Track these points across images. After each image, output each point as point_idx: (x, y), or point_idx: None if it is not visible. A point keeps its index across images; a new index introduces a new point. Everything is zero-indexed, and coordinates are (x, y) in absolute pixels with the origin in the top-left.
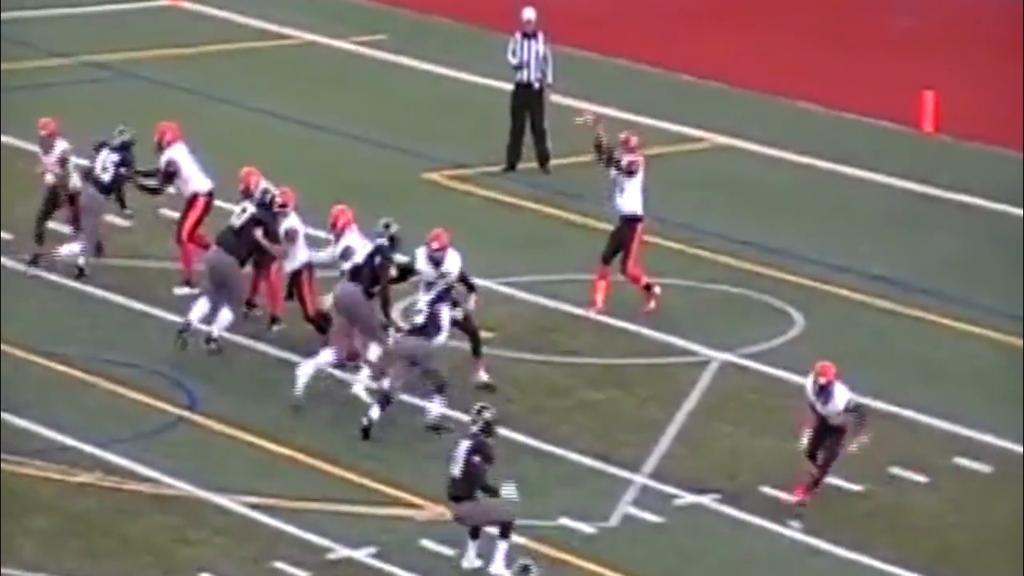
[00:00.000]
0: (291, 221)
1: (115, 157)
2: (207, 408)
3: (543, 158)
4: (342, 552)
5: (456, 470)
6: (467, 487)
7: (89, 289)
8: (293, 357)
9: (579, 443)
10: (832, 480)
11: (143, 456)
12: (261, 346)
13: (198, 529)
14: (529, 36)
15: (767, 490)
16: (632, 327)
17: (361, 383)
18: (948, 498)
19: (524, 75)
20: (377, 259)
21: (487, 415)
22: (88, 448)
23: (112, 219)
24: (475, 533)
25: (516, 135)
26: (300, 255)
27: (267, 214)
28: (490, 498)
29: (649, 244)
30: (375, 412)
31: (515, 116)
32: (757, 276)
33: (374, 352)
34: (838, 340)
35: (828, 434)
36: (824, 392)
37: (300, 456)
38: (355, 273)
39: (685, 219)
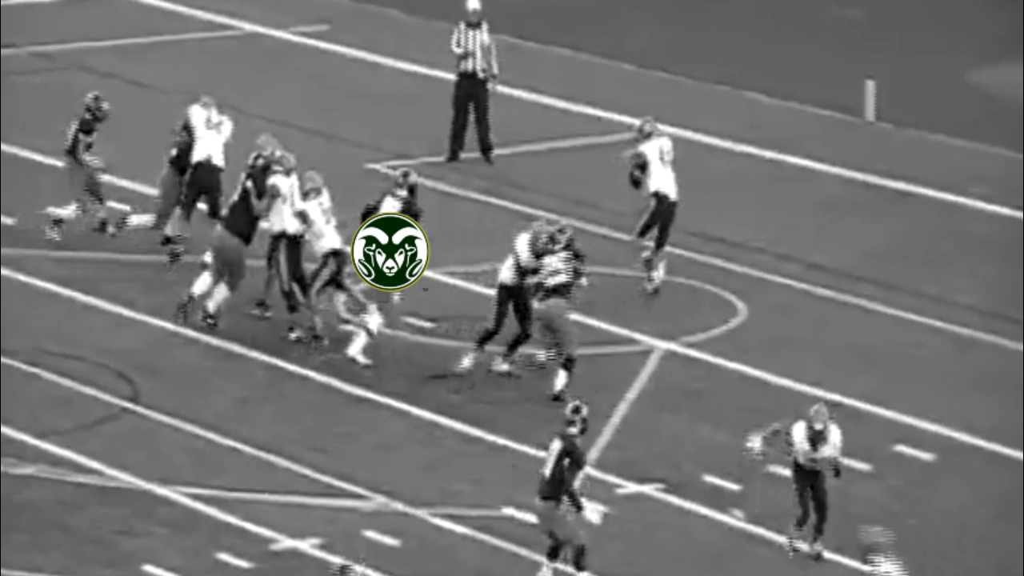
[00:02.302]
0: (276, 179)
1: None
2: (150, 400)
3: (486, 148)
4: (286, 543)
5: (546, 470)
6: (554, 489)
7: (34, 281)
8: (236, 348)
9: (523, 433)
10: (775, 469)
11: (87, 448)
12: (204, 337)
13: (142, 520)
14: (473, 26)
15: (710, 479)
16: (575, 317)
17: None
18: (891, 486)
19: (468, 65)
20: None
21: (584, 413)
22: (32, 440)
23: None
24: (553, 553)
25: (459, 125)
26: (282, 220)
27: (257, 171)
28: (570, 513)
29: (593, 233)
30: (561, 379)
31: (458, 106)
32: (699, 265)
33: (375, 322)
34: (780, 328)
35: (807, 480)
36: (819, 436)
37: (244, 447)
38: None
39: (628, 208)
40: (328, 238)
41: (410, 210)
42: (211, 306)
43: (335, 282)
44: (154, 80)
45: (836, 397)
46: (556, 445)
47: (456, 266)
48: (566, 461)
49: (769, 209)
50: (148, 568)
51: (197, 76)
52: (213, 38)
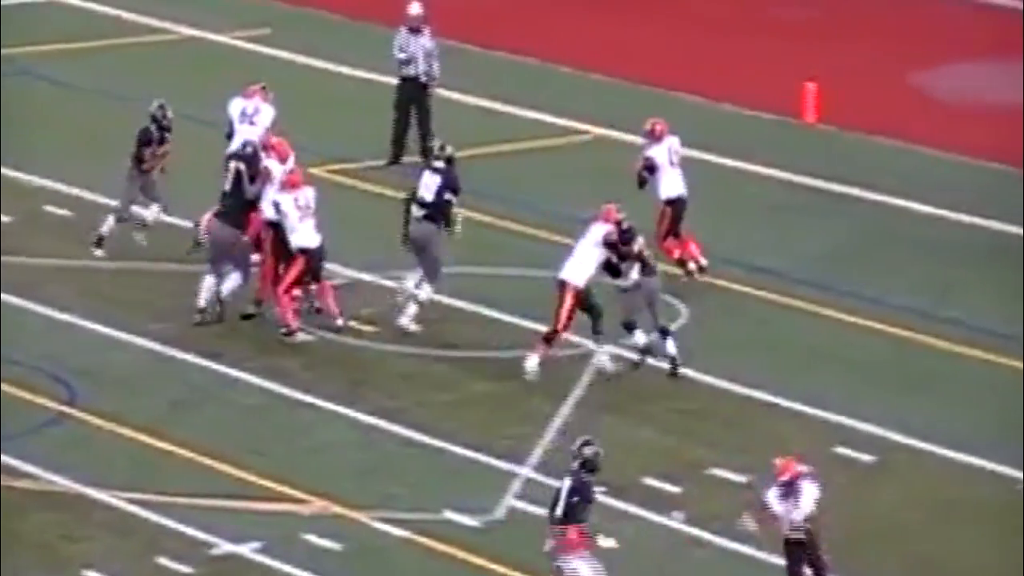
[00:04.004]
0: (270, 163)
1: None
2: (88, 404)
3: (427, 152)
4: (226, 547)
5: (559, 511)
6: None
7: None
8: (173, 351)
9: (462, 436)
10: (715, 471)
11: (25, 453)
12: (141, 341)
13: (82, 526)
14: (415, 31)
15: (651, 482)
16: (516, 319)
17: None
18: (830, 487)
19: (410, 70)
20: (447, 194)
21: (588, 451)
22: None
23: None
24: None
25: (401, 129)
26: (268, 209)
27: (249, 156)
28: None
29: (534, 237)
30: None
31: (400, 110)
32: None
33: (426, 292)
34: (722, 331)
35: (799, 552)
36: (791, 491)
37: (183, 451)
38: (430, 213)
39: (568, 211)
40: (299, 235)
41: (449, 183)
42: (224, 290)
43: (304, 281)
44: (93, 84)
45: (776, 399)
46: (566, 482)
47: (398, 270)
48: (574, 499)
49: (710, 212)
50: (89, 573)
51: (137, 80)
52: (152, 42)
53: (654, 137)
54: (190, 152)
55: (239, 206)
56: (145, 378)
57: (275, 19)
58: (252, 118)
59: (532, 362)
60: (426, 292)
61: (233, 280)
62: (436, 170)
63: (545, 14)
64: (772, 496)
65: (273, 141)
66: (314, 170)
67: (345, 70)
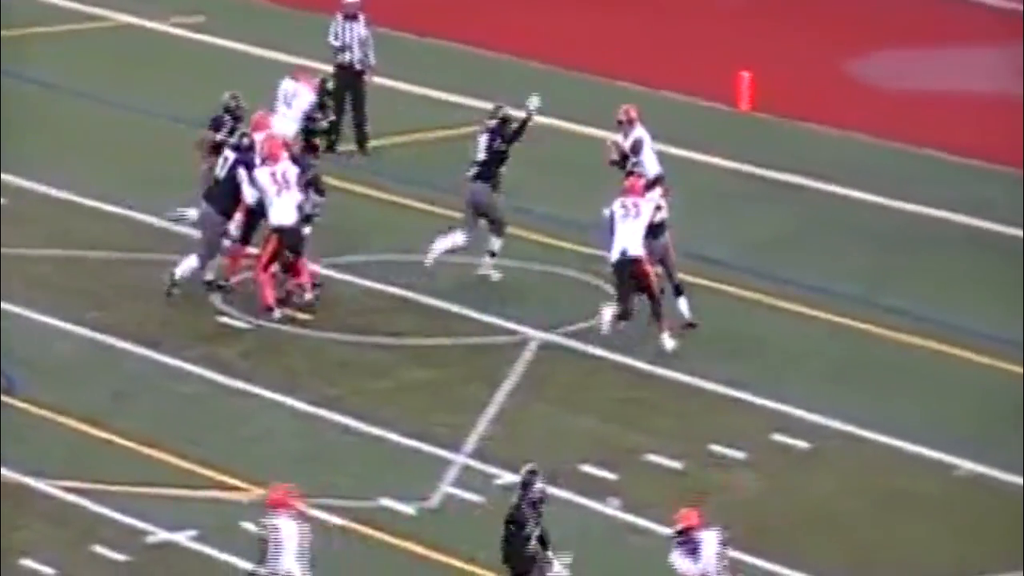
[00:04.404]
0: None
1: None
2: (26, 393)
3: (363, 140)
4: (162, 535)
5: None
6: (519, 562)
7: None
8: (111, 341)
9: (400, 424)
10: (651, 457)
11: None
12: (80, 330)
13: (21, 515)
14: (351, 18)
15: (587, 468)
16: (451, 307)
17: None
18: (766, 474)
19: (345, 57)
20: (497, 143)
21: (533, 494)
22: None
23: None
24: None
25: (336, 117)
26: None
27: (249, 156)
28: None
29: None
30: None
31: (335, 98)
32: (576, 255)
33: (496, 243)
34: None
35: None
36: (690, 543)
37: (120, 440)
38: (481, 172)
39: (504, 198)
40: (276, 210)
41: (504, 137)
42: (177, 273)
43: (280, 259)
44: (28, 73)
45: (713, 386)
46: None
47: (334, 257)
48: (511, 528)
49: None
50: (25, 562)
51: (71, 67)
52: (87, 29)
53: (629, 122)
54: (124, 139)
55: (227, 193)
56: (85, 367)
57: (209, 7)
58: (290, 101)
59: (607, 314)
60: (496, 244)
61: (191, 262)
62: (489, 130)
63: (482, 2)
64: (676, 556)
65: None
66: None
67: (280, 57)
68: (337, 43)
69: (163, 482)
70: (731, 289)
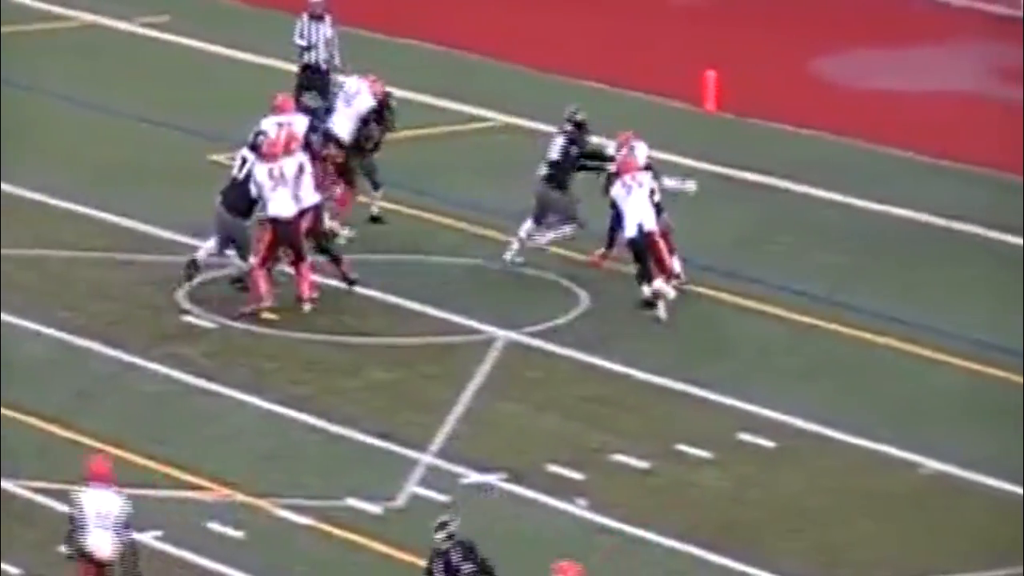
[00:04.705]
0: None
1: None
2: None
3: (329, 139)
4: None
5: None
6: None
7: None
8: (77, 340)
9: (366, 423)
10: (618, 457)
11: None
12: (47, 330)
13: None
14: (316, 18)
15: (553, 468)
16: (418, 306)
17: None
18: (733, 474)
19: (311, 57)
20: (573, 149)
21: (451, 530)
22: None
23: None
24: None
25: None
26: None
27: (260, 145)
28: None
29: (436, 223)
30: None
31: (301, 98)
32: (542, 254)
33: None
34: (623, 318)
35: None
36: None
37: (87, 440)
38: (550, 174)
39: (471, 198)
40: (273, 203)
41: (579, 144)
42: (201, 253)
43: (275, 252)
44: None
45: (679, 386)
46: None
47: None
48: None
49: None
50: None
51: (36, 67)
52: (52, 29)
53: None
54: (90, 139)
55: (245, 194)
56: (51, 367)
57: (175, 6)
58: (351, 99)
59: (666, 290)
60: (570, 230)
61: (209, 246)
62: (564, 132)
63: (450, 2)
64: None
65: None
66: (216, 156)
67: (246, 56)
68: (303, 42)
69: (129, 482)
70: (697, 288)
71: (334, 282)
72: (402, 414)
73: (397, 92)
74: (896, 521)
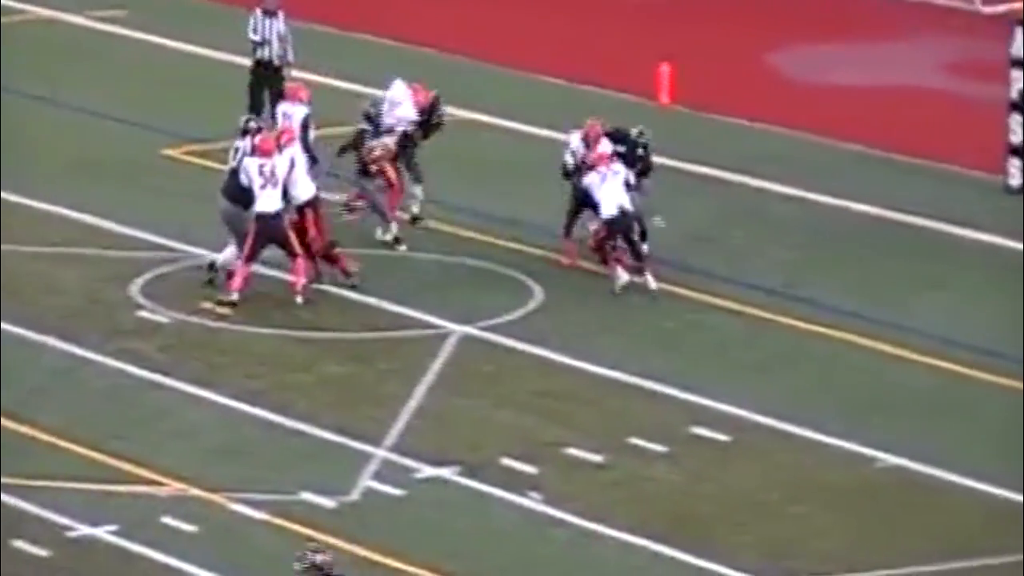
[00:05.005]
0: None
1: None
2: None
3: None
4: (83, 530)
5: None
6: None
7: None
8: (31, 335)
9: (321, 418)
10: (571, 451)
11: None
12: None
13: None
14: (270, 14)
15: (507, 462)
16: (372, 301)
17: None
18: (686, 467)
19: (264, 53)
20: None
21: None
22: None
23: None
24: None
25: (256, 111)
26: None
27: (253, 132)
28: None
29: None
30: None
31: (254, 93)
32: (496, 248)
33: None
34: (577, 312)
35: None
36: None
37: (41, 435)
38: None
39: (424, 192)
40: (260, 201)
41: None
42: (219, 259)
43: (258, 248)
44: None
45: (633, 380)
46: None
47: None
48: None
49: (566, 193)
50: None
51: None
52: (7, 23)
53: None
54: (43, 133)
55: (237, 182)
56: (4, 362)
57: (130, 0)
58: (395, 107)
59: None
60: (221, 259)
61: (229, 252)
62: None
63: None
64: None
65: (283, 126)
66: (170, 151)
67: (199, 51)
68: (256, 38)
69: (84, 477)
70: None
71: (287, 276)
72: (356, 409)
73: (350, 87)
74: (850, 515)
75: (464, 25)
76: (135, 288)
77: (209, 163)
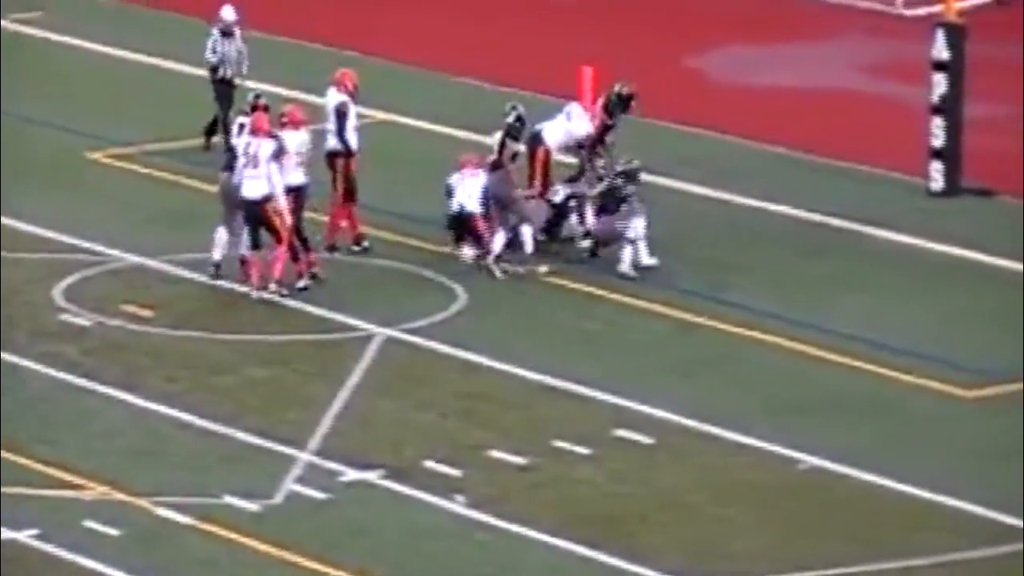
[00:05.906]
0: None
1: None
2: None
3: (210, 134)
4: (5, 534)
5: None
6: None
7: None
8: None
9: (243, 420)
10: (495, 454)
11: None
12: None
13: None
14: (227, 34)
15: (431, 465)
16: (295, 303)
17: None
18: (610, 469)
19: (224, 71)
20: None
21: None
22: None
23: None
24: None
25: (224, 123)
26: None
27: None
28: None
29: (312, 220)
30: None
31: (221, 110)
32: (419, 251)
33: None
34: (501, 314)
35: None
36: None
37: None
38: (495, 165)
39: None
40: (244, 185)
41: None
42: (215, 256)
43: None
44: None
45: (556, 382)
46: None
47: (175, 254)
48: None
49: None
50: None
51: None
52: None
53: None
54: None
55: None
56: None
57: (48, 2)
58: (571, 118)
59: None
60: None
61: (221, 238)
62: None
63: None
64: None
65: (288, 109)
66: (93, 155)
67: (119, 53)
68: (214, 59)
69: (5, 480)
70: (575, 285)
71: (215, 280)
72: (279, 411)
73: (277, 90)
74: (774, 516)
75: (388, 28)
76: (57, 291)
77: (132, 166)
